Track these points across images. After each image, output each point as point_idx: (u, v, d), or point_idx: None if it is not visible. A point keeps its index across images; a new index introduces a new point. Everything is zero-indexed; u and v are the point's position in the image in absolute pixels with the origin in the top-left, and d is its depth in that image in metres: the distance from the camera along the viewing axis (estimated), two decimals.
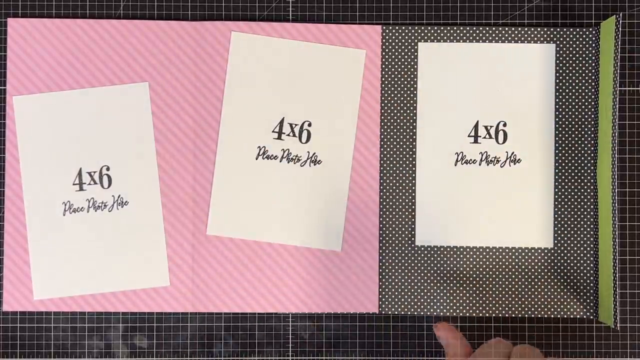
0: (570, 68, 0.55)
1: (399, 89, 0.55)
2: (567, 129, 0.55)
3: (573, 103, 0.55)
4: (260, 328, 0.56)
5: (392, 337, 0.55)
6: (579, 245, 0.55)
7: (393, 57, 0.55)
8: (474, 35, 0.55)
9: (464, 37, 0.55)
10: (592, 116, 0.55)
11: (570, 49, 0.55)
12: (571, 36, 0.55)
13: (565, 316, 0.55)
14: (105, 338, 0.55)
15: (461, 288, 0.55)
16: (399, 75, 0.55)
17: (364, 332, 0.56)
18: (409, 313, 0.55)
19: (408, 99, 0.55)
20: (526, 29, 0.55)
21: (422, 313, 0.55)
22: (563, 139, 0.55)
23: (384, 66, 0.55)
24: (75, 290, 0.55)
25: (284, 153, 0.55)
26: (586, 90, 0.55)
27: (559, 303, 0.55)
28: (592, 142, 0.55)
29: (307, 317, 0.56)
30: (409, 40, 0.55)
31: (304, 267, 0.55)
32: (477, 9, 0.56)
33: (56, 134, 0.55)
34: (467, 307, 0.55)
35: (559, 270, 0.55)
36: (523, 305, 0.55)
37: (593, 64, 0.55)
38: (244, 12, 0.56)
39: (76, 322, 0.55)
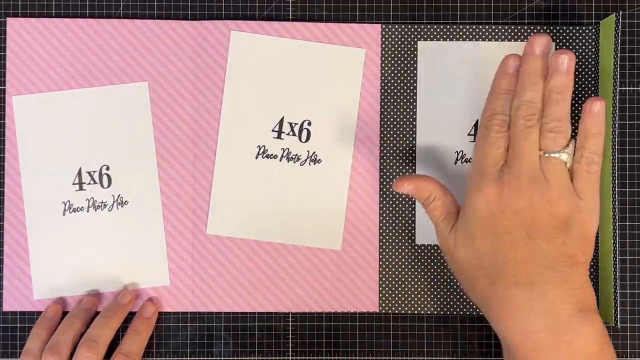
0: None
1: (398, 87, 0.55)
2: None
3: (573, 100, 0.55)
4: (260, 328, 0.55)
5: (392, 336, 0.55)
6: None
7: (393, 55, 0.55)
8: (474, 33, 0.55)
9: (464, 36, 0.55)
10: None
11: (570, 47, 0.55)
12: (570, 34, 0.55)
13: None
14: None
15: (461, 287, 0.55)
16: (399, 74, 0.55)
17: (364, 332, 0.55)
18: (410, 312, 0.55)
19: (408, 97, 0.55)
20: (525, 27, 0.55)
21: (422, 312, 0.55)
22: None
23: (383, 65, 0.55)
24: (75, 289, 0.55)
25: (283, 152, 0.55)
26: (586, 89, 0.55)
27: None
28: None
29: (307, 317, 0.56)
30: (409, 39, 0.55)
31: (304, 266, 0.55)
32: (477, 9, 0.56)
33: (56, 133, 0.55)
34: (468, 306, 0.55)
35: None
36: None
37: (593, 62, 0.55)
38: (244, 11, 0.56)
39: None
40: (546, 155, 0.46)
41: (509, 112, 0.47)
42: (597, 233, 0.54)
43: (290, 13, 0.56)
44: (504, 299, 0.45)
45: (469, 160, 0.55)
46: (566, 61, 0.46)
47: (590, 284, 0.46)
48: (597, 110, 0.46)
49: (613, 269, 0.51)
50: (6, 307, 0.55)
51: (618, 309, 0.51)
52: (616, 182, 0.51)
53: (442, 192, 0.49)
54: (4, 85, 0.55)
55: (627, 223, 0.55)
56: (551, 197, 0.45)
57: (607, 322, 0.52)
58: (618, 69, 0.51)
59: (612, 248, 0.51)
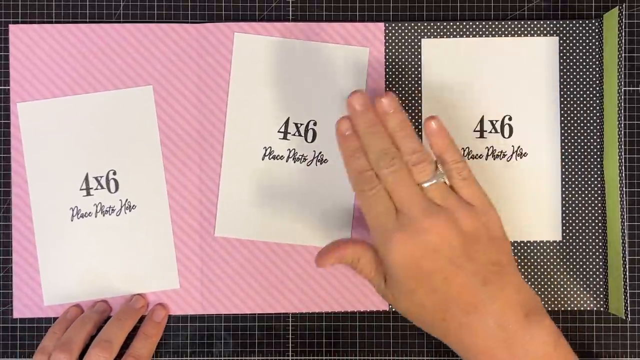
0: (574, 60, 0.55)
1: (403, 85, 0.55)
2: (572, 121, 0.55)
3: (578, 95, 0.55)
4: (260, 328, 0.55)
5: (393, 336, 0.55)
6: (587, 237, 0.55)
7: (397, 54, 0.55)
8: (477, 30, 0.55)
9: (467, 32, 0.55)
10: (598, 107, 0.55)
11: (574, 41, 0.55)
12: (574, 28, 0.55)
13: (575, 308, 0.55)
14: None
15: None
16: (403, 72, 0.55)
17: (364, 332, 0.55)
18: None
19: (413, 95, 0.55)
20: (529, 22, 0.55)
21: None
22: (569, 131, 0.55)
23: (387, 63, 0.55)
24: (85, 295, 0.55)
25: (290, 153, 0.55)
26: (591, 82, 0.55)
27: (568, 295, 0.55)
28: (599, 133, 0.55)
29: (307, 317, 0.55)
30: (412, 37, 0.55)
31: (313, 266, 0.55)
32: (477, 9, 0.56)
33: (61, 139, 0.55)
34: None
35: (568, 263, 0.55)
36: None
37: (597, 56, 0.55)
38: (244, 11, 0.56)
39: None
40: (425, 185, 0.46)
41: (370, 167, 0.48)
42: (605, 225, 0.54)
43: (290, 13, 0.56)
44: (460, 330, 0.46)
45: (475, 157, 0.55)
46: (388, 103, 0.47)
47: (525, 284, 0.47)
48: (435, 127, 0.47)
49: (622, 260, 0.51)
50: (16, 314, 0.54)
51: (628, 300, 0.51)
52: (623, 173, 0.52)
53: (363, 250, 0.48)
54: (8, 94, 0.55)
55: (627, 223, 0.55)
56: (453, 219, 0.45)
57: (617, 314, 0.52)
58: (622, 62, 0.51)
59: (621, 239, 0.52)
